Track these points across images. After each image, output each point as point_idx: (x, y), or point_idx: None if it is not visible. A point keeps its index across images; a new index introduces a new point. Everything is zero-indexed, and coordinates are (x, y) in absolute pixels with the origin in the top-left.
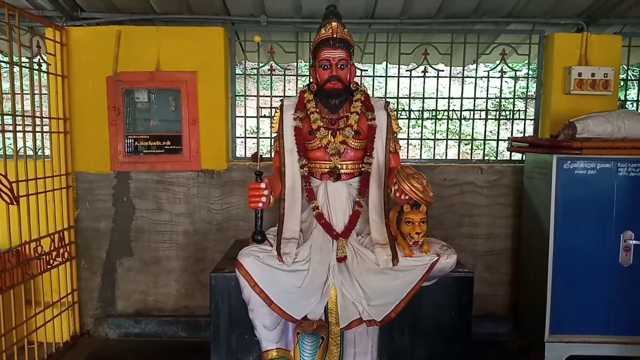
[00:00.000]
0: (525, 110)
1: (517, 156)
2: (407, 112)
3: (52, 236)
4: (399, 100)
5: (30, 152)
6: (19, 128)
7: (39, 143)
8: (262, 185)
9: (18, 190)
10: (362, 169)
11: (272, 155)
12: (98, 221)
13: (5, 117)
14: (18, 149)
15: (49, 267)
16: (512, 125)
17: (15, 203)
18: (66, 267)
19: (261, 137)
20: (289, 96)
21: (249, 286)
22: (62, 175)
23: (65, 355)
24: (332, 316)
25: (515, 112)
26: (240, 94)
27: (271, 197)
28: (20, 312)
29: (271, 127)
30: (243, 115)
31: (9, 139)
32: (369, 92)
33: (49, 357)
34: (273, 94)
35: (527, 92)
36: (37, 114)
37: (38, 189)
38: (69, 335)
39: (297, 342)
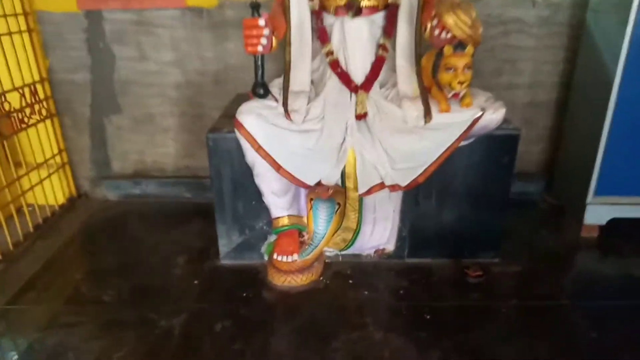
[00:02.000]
0: None
1: None
2: None
3: (20, 90)
4: None
5: None
6: None
7: None
8: (261, 22)
9: None
10: (389, 0)
11: None
12: (74, 72)
13: None
14: None
15: (24, 126)
16: None
17: None
18: (47, 126)
19: None
20: None
21: (253, 149)
22: (18, 14)
23: (63, 218)
24: (350, 181)
25: None
26: None
27: (273, 38)
28: (6, 173)
29: None
30: None
31: None
32: None
33: (45, 220)
34: None
35: None
36: None
37: None
38: (65, 198)
39: (310, 208)
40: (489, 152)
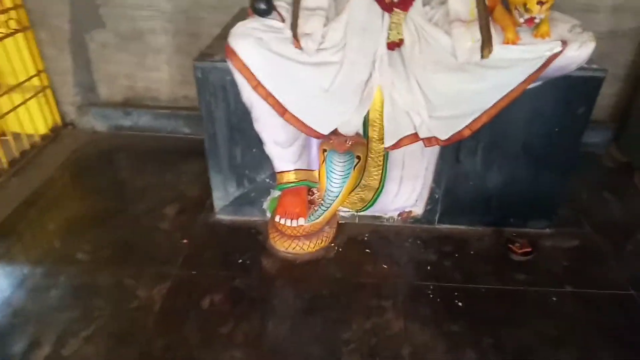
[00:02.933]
0: None
1: None
2: None
3: None
4: None
5: None
6: None
7: None
8: None
9: None
10: None
11: None
12: None
13: None
14: None
15: None
16: None
17: None
18: (18, 42)
19: None
20: None
21: (249, 86)
22: None
23: (44, 151)
24: (374, 130)
25: None
26: None
27: None
28: None
29: None
30: None
31: None
32: None
33: (22, 153)
34: None
35: None
36: None
37: None
38: (48, 127)
39: (323, 160)
40: (560, 99)
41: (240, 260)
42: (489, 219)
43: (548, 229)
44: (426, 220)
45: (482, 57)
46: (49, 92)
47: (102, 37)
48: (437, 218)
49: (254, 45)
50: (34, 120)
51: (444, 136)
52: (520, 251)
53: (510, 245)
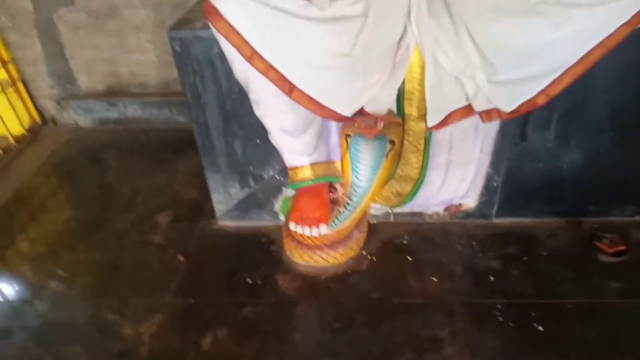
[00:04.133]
0: None
1: None
2: None
3: None
4: None
5: None
6: None
7: None
8: None
9: None
10: None
11: None
12: None
13: None
14: None
15: None
16: None
17: None
18: None
19: None
20: None
21: (243, 57)
22: None
23: (21, 155)
24: (413, 106)
25: None
26: None
27: None
28: None
29: None
30: None
31: None
32: None
33: None
34: None
35: None
36: None
37: None
38: (24, 127)
39: (346, 148)
40: None
41: (250, 281)
42: (561, 208)
43: (637, 215)
44: (481, 214)
45: None
46: (20, 85)
47: (72, 16)
48: (494, 211)
49: (243, 2)
50: (3, 121)
51: (509, 107)
52: (611, 250)
53: (597, 243)
